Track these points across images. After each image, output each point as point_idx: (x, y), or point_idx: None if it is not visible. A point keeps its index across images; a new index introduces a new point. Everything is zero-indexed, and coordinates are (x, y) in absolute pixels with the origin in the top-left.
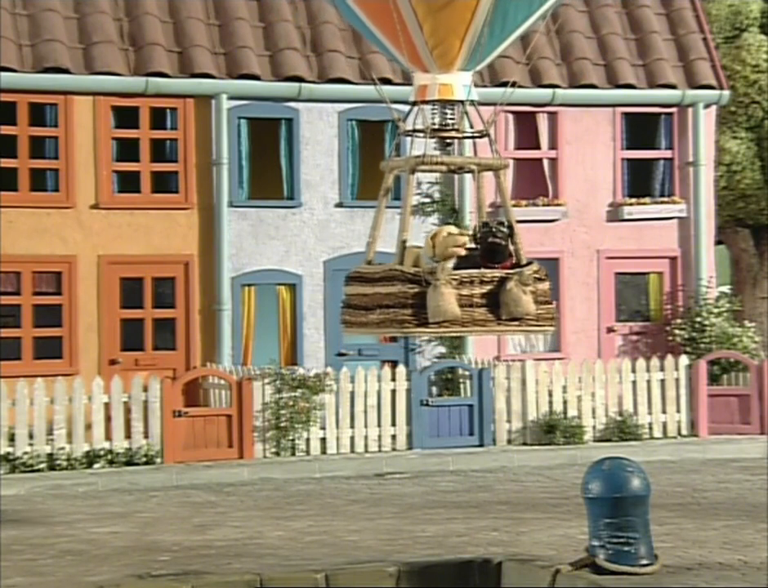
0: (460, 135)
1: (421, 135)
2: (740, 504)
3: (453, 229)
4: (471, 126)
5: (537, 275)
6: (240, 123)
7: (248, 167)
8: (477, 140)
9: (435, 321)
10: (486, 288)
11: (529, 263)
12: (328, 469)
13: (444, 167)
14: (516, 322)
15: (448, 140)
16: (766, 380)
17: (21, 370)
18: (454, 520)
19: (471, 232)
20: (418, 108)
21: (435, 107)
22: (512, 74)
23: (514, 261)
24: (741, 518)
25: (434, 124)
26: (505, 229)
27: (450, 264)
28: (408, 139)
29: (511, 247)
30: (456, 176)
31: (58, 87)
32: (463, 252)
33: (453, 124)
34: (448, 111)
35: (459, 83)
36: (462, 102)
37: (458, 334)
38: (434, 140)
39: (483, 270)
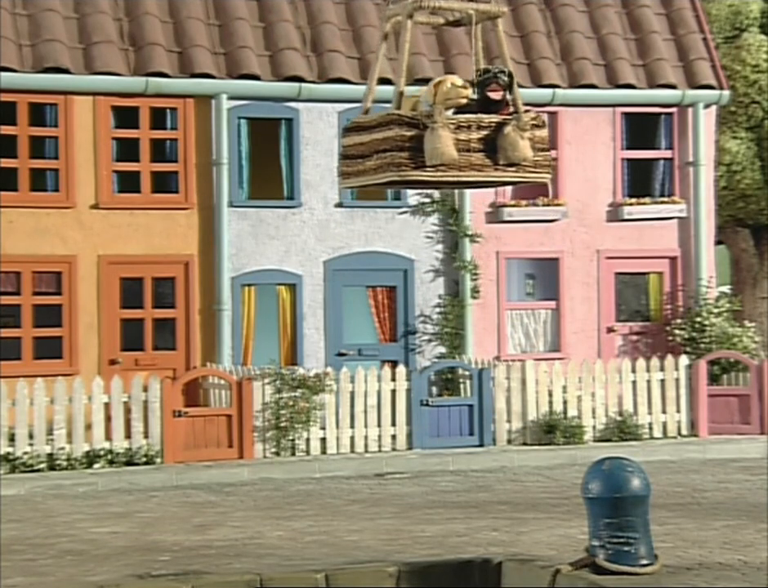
0: None
1: None
2: (740, 504)
3: (457, 80)
4: None
5: (534, 122)
6: (240, 123)
7: (248, 167)
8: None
9: (433, 164)
10: (483, 133)
11: (526, 110)
12: (328, 469)
13: (440, 19)
14: (514, 168)
15: None
16: (766, 380)
17: (21, 370)
18: (454, 520)
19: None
20: None
21: None
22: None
23: (512, 109)
24: (741, 518)
25: None
26: (506, 78)
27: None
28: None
29: (509, 97)
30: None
31: (58, 87)
32: (463, 103)
33: None
34: None
35: None
36: None
37: (456, 179)
38: None
39: (480, 115)
